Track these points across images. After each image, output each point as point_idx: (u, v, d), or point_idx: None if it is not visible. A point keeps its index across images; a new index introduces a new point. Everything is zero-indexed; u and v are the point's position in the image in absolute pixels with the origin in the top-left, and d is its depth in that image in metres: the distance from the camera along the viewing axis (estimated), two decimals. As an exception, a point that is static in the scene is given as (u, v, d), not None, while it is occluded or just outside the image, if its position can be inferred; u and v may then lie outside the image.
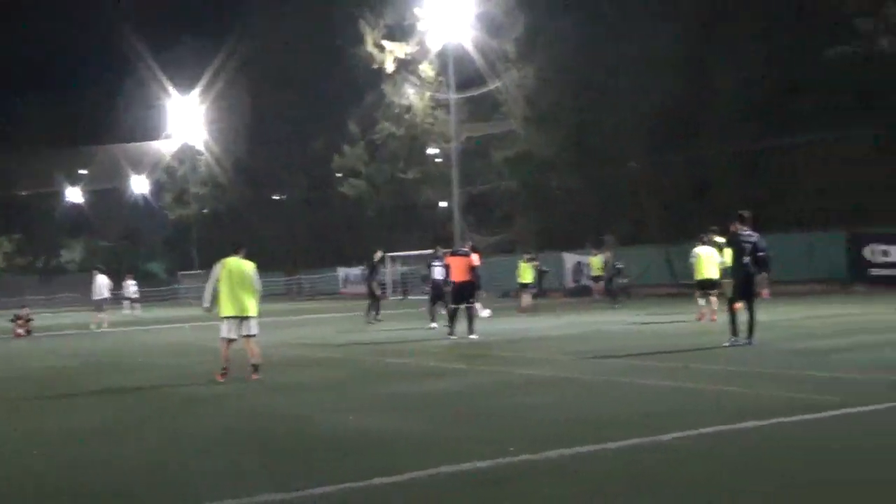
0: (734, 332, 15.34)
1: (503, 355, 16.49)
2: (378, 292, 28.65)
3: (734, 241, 15.40)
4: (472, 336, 19.56)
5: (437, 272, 24.48)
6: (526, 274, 30.46)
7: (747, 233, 15.17)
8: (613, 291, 33.27)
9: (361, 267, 34.38)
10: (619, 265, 33.89)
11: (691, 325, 21.17)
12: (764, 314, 20.98)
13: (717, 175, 41.03)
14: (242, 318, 13.94)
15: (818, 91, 37.44)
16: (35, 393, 14.19)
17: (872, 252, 31.34)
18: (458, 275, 20.17)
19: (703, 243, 21.92)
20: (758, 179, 40.04)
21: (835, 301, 27.21)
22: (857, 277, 31.76)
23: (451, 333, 19.92)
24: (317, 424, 10.01)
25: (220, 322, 14.12)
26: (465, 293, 20.09)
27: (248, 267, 14.14)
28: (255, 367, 13.98)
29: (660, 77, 41.05)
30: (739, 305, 15.50)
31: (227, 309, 13.94)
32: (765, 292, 15.85)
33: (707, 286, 21.74)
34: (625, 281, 34.46)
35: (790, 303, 26.57)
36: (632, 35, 42.31)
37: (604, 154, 44.54)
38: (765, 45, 39.42)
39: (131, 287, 48.14)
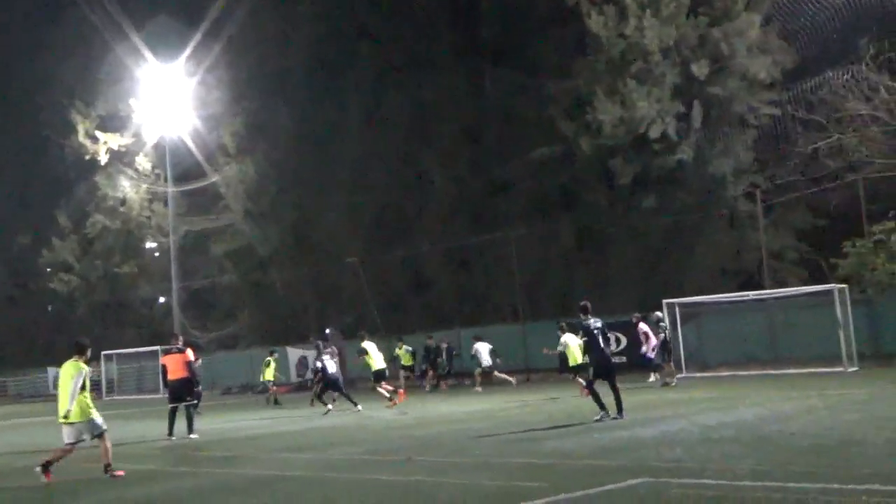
0: (603, 407, 16.56)
1: (225, 455, 16.06)
2: None
3: (587, 329, 16.78)
4: (191, 436, 18.94)
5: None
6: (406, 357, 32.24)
7: (593, 320, 16.74)
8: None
9: None
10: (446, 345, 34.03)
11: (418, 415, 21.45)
12: (478, 403, 21.71)
13: (433, 270, 42.30)
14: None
15: (526, 189, 39.65)
16: None
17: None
18: (175, 373, 19.58)
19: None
20: (472, 273, 41.61)
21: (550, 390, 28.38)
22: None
23: (169, 434, 19.23)
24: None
25: None
26: (182, 391, 19.50)
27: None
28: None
29: (376, 174, 42.22)
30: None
31: None
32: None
33: None
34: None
35: (503, 391, 27.55)
36: (349, 132, 43.36)
37: (323, 249, 44.96)
38: (474, 145, 41.49)
39: None
